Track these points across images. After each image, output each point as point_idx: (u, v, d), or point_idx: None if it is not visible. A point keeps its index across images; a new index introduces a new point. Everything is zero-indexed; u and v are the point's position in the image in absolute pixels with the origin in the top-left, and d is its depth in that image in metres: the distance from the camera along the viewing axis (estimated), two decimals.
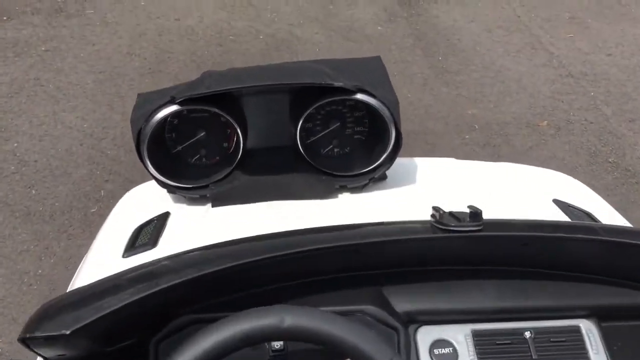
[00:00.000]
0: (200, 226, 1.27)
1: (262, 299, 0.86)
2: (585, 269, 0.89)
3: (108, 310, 0.71)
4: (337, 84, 1.23)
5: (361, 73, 1.36)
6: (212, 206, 1.33)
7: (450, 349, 0.85)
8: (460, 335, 0.86)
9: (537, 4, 4.83)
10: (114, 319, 0.75)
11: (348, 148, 1.44)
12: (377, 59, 1.46)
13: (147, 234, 1.28)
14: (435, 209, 0.85)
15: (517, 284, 0.88)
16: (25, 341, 0.72)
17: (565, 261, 0.89)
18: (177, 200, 1.38)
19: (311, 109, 1.29)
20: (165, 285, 0.74)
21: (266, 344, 0.83)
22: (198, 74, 1.35)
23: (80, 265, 1.33)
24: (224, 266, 0.77)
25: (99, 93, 3.59)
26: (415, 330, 0.86)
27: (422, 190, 1.40)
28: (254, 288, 0.85)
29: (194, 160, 1.41)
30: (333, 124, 1.40)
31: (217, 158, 1.41)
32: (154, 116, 1.25)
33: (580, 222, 1.14)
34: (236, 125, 1.30)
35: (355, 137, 1.44)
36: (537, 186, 1.49)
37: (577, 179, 1.72)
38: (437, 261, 0.88)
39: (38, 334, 0.71)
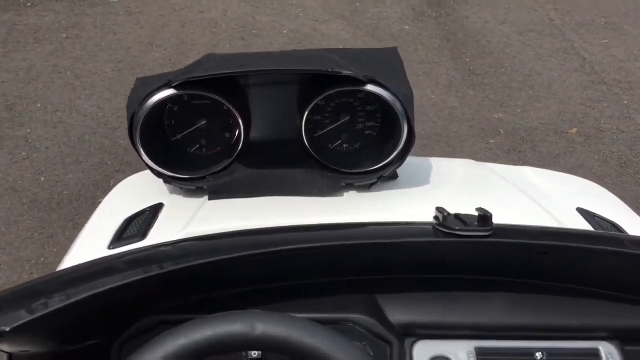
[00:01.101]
0: (192, 219, 1.18)
1: (237, 302, 0.77)
2: (607, 285, 0.78)
3: (61, 305, 0.63)
4: (345, 72, 1.13)
5: (375, 63, 1.26)
6: (209, 199, 1.24)
7: None
8: (462, 353, 0.75)
9: (572, 8, 4.68)
10: (69, 314, 0.66)
11: (358, 144, 1.34)
12: (393, 50, 1.36)
13: (137, 225, 1.20)
14: (439, 209, 0.75)
15: (528, 298, 0.77)
16: None
17: (585, 275, 0.78)
18: (172, 191, 1.30)
19: (318, 99, 1.19)
20: (118, 284, 0.65)
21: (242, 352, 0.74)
22: None
23: (64, 256, 1.25)
24: (196, 262, 0.68)
25: (117, 82, 3.54)
26: (412, 345, 0.76)
27: (434, 192, 1.29)
28: (229, 289, 0.76)
29: (193, 149, 1.33)
30: (342, 117, 1.30)
31: (218, 148, 1.32)
32: (147, 100, 1.16)
33: (605, 232, 1.03)
34: (237, 114, 1.21)
35: (366, 132, 1.34)
36: (560, 192, 1.37)
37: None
38: (439, 268, 0.78)
39: None
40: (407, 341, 0.75)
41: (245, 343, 0.58)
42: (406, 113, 1.19)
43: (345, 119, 1.30)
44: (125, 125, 3.28)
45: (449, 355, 0.75)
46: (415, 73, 3.58)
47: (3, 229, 2.44)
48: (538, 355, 0.75)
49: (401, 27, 4.35)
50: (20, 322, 0.61)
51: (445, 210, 0.74)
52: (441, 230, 0.71)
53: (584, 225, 1.22)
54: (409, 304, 0.77)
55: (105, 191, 2.69)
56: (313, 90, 1.21)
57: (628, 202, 1.54)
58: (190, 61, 3.76)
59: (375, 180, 1.25)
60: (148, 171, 1.42)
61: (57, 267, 2.20)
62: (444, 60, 3.90)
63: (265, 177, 1.27)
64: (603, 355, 0.75)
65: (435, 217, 0.74)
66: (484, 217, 0.70)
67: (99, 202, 2.59)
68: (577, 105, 3.46)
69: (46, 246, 2.37)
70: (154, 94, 1.16)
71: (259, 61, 1.17)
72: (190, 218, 1.19)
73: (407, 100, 1.20)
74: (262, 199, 1.23)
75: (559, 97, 3.53)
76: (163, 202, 1.26)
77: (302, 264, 0.73)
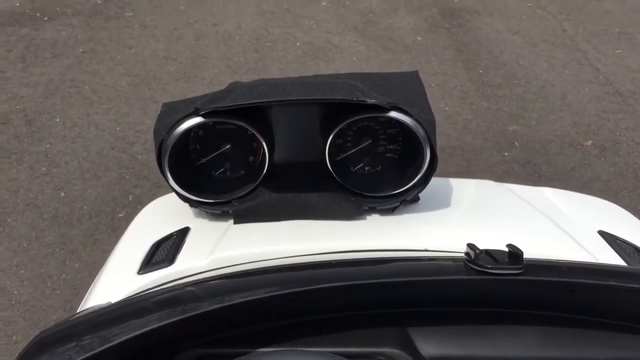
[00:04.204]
0: (219, 244, 1.20)
1: (274, 335, 0.79)
2: (636, 319, 0.79)
3: (110, 345, 0.65)
4: (370, 100, 1.15)
5: (397, 89, 1.28)
6: (234, 223, 1.26)
7: None
8: None
9: (585, 18, 4.68)
10: (117, 353, 0.68)
11: (380, 167, 1.36)
12: (415, 74, 1.38)
13: (165, 250, 1.22)
14: (470, 246, 0.76)
15: (558, 331, 0.79)
16: None
17: (614, 310, 0.79)
18: (198, 215, 1.32)
19: (342, 125, 1.21)
20: (180, 317, 0.67)
21: None
22: (233, 80, 1.29)
23: (94, 281, 1.27)
24: (242, 300, 0.70)
25: (133, 97, 3.58)
26: None
27: (456, 215, 1.30)
28: (267, 323, 0.78)
29: (217, 173, 1.35)
30: (364, 141, 1.32)
31: (242, 172, 1.34)
32: (176, 128, 1.19)
33: (634, 267, 1.04)
34: (262, 140, 1.23)
35: (388, 155, 1.35)
36: (581, 215, 1.38)
37: (622, 204, 1.60)
38: (470, 303, 0.79)
39: None
40: None
41: None
42: (429, 138, 1.21)
43: (367, 142, 1.31)
44: (142, 140, 3.31)
45: None
46: (429, 85, 3.59)
47: (25, 245, 2.47)
48: None
49: (414, 39, 4.37)
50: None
51: (477, 248, 0.75)
52: (473, 268, 0.73)
53: (607, 249, 1.23)
54: (440, 337, 0.78)
55: (125, 206, 2.73)
56: (337, 116, 1.23)
57: None
58: (205, 75, 3.79)
59: (398, 204, 1.27)
60: (173, 195, 1.45)
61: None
62: (457, 72, 3.92)
63: (289, 201, 1.29)
64: None
65: (467, 254, 0.76)
66: (515, 254, 0.72)
67: (119, 218, 2.63)
68: (591, 116, 3.46)
69: (67, 262, 2.41)
70: (183, 122, 1.18)
71: (284, 90, 1.19)
72: (216, 243, 1.21)
73: (429, 125, 1.21)
74: (287, 222, 1.25)
75: (574, 108, 3.54)
76: (189, 226, 1.28)
77: (335, 299, 0.74)
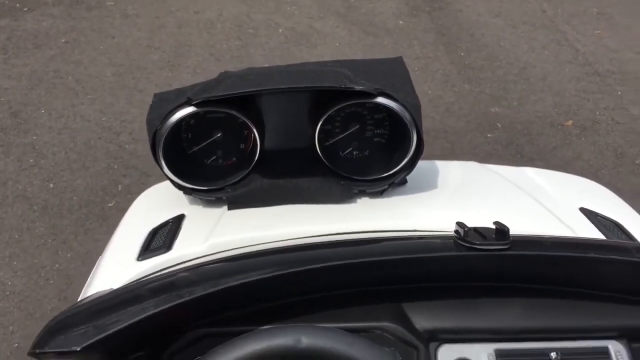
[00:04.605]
0: (214, 230, 1.24)
1: (275, 313, 0.83)
2: (615, 289, 0.84)
3: (122, 326, 0.69)
4: (358, 87, 1.19)
5: (382, 75, 1.32)
6: (228, 209, 1.30)
7: None
8: (483, 355, 0.82)
9: None
10: (128, 333, 0.72)
11: (367, 151, 1.40)
12: (399, 60, 1.42)
13: (162, 236, 1.25)
14: (459, 224, 0.81)
15: (542, 303, 0.84)
16: (36, 356, 0.70)
17: (595, 280, 0.84)
18: (192, 202, 1.35)
19: (331, 111, 1.25)
20: (185, 299, 0.71)
21: None
22: (217, 68, 1.33)
23: (94, 268, 1.31)
24: (244, 281, 0.74)
25: (118, 86, 3.58)
26: (436, 349, 0.82)
27: (443, 196, 1.35)
28: (268, 302, 0.82)
29: (209, 161, 1.38)
30: (352, 127, 1.36)
31: (234, 159, 1.38)
32: (169, 117, 1.22)
33: (613, 240, 1.09)
34: (253, 127, 1.26)
35: (375, 139, 1.39)
36: (562, 193, 1.43)
37: (603, 182, 1.66)
38: (459, 278, 0.84)
39: (48, 349, 0.68)
40: (432, 346, 0.82)
41: (293, 355, 0.64)
42: (415, 122, 1.25)
43: (355, 127, 1.36)
44: (129, 130, 3.31)
45: (471, 358, 0.82)
46: (412, 69, 3.62)
47: (16, 237, 2.49)
48: (553, 355, 0.81)
49: (396, 23, 4.40)
50: (90, 341, 0.67)
51: (465, 225, 0.80)
52: (462, 245, 0.77)
53: (588, 226, 1.28)
54: (433, 311, 0.83)
55: (114, 196, 2.75)
56: (325, 103, 1.26)
57: (625, 193, 1.60)
58: (189, 63, 3.78)
59: (386, 186, 1.31)
60: (166, 183, 1.48)
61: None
62: (439, 55, 3.96)
63: (281, 186, 1.32)
64: (612, 353, 0.82)
65: (456, 232, 0.80)
66: (502, 231, 0.76)
67: (109, 207, 2.65)
68: (572, 97, 3.53)
69: (60, 252, 2.43)
70: (176, 112, 1.21)
71: (274, 78, 1.22)
72: (211, 229, 1.24)
73: (415, 109, 1.26)
74: (279, 207, 1.29)
75: (554, 89, 3.60)
76: (184, 213, 1.32)
77: (332, 278, 0.78)
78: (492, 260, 0.76)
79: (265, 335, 0.65)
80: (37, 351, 0.69)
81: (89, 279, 1.29)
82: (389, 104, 1.23)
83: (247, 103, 1.29)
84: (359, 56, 3.79)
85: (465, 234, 0.77)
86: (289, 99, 1.33)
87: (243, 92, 1.18)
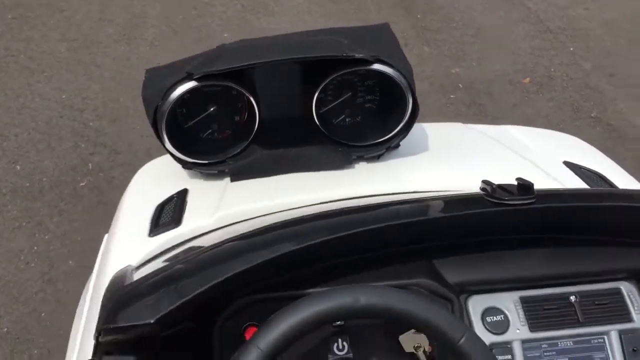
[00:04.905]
0: (221, 202, 1.26)
1: (317, 277, 0.87)
2: (625, 234, 0.92)
3: (191, 296, 0.71)
4: (358, 55, 1.22)
5: (373, 42, 1.35)
6: (231, 181, 1.32)
7: (502, 316, 0.88)
8: (509, 303, 0.89)
9: None
10: (192, 304, 0.74)
11: (359, 117, 1.43)
12: (386, 27, 1.45)
13: (169, 212, 1.27)
14: (486, 182, 0.86)
15: (561, 251, 0.91)
16: (108, 332, 0.71)
17: (607, 227, 0.91)
18: (192, 176, 1.37)
19: (329, 79, 1.27)
20: (245, 267, 0.74)
21: None
22: (175, 40, 1.32)
23: (103, 246, 1.31)
24: (298, 246, 0.76)
25: (74, 62, 3.48)
26: (466, 300, 0.88)
27: (436, 156, 1.40)
28: (309, 266, 0.85)
29: (205, 135, 1.39)
30: (345, 94, 1.39)
31: (228, 132, 1.39)
32: (171, 93, 1.22)
33: (621, 189, 1.17)
34: (252, 99, 1.28)
35: (366, 105, 1.43)
36: (545, 148, 1.51)
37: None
38: (488, 232, 0.90)
39: (122, 323, 0.70)
40: (462, 297, 0.88)
41: (352, 313, 0.69)
42: (410, 87, 1.29)
43: (348, 95, 1.39)
44: (92, 107, 3.23)
45: (499, 306, 0.88)
46: None
47: None
48: (572, 298, 0.89)
49: None
50: (162, 313, 0.69)
51: (491, 183, 0.85)
52: (492, 201, 0.82)
53: (572, 177, 1.36)
54: (461, 265, 0.89)
55: (85, 175, 2.72)
56: (323, 71, 1.28)
57: None
58: (146, 36, 3.68)
59: (383, 151, 1.35)
60: (162, 159, 1.49)
61: (62, 252, 2.22)
62: (399, 19, 3.99)
63: (281, 156, 1.35)
64: (624, 292, 0.90)
65: (484, 189, 0.86)
66: (527, 186, 0.82)
67: (81, 187, 2.61)
68: (527, 55, 3.63)
69: (37, 235, 2.39)
70: (177, 87, 1.22)
71: (273, 50, 1.23)
72: (218, 201, 1.26)
73: (409, 74, 1.30)
74: (281, 177, 1.32)
75: (510, 48, 3.69)
76: (187, 187, 1.33)
77: (374, 240, 0.82)
78: (520, 214, 0.82)
79: (326, 296, 0.69)
80: (111, 326, 0.70)
81: (99, 257, 1.30)
82: (385, 70, 1.27)
83: (245, 75, 1.30)
84: (320, 24, 3.79)
85: (493, 191, 0.83)
86: (286, 69, 1.34)
87: (245, 65, 1.19)
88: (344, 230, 0.78)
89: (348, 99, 1.39)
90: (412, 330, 0.83)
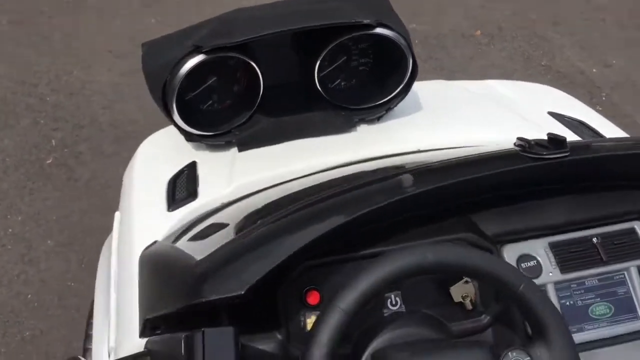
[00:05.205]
0: (233, 172, 1.28)
1: (367, 239, 0.92)
2: (631, 178, 1.01)
3: (276, 263, 0.74)
4: (365, 20, 1.25)
5: (371, 6, 1.38)
6: (239, 151, 1.33)
7: (534, 261, 0.96)
8: (540, 249, 0.96)
9: None
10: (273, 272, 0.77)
11: (354, 80, 1.46)
12: None
13: (183, 185, 1.28)
14: (521, 139, 0.92)
15: (584, 197, 0.99)
16: (197, 306, 0.74)
17: (626, 173, 1.00)
18: (198, 148, 1.37)
19: (332, 45, 1.29)
20: (322, 233, 0.77)
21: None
22: (124, 4, 1.30)
23: (117, 225, 1.31)
24: (365, 210, 0.80)
25: (19, 35, 3.34)
26: (500, 249, 0.95)
27: (431, 115, 1.45)
28: (362, 228, 0.89)
29: (205, 106, 1.39)
30: (340, 58, 1.42)
31: (229, 102, 1.40)
32: (180, 67, 1.22)
33: (632, 137, 1.26)
34: (257, 69, 1.29)
35: (360, 68, 1.46)
36: (529, 100, 1.59)
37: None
38: (519, 186, 0.97)
39: (214, 296, 0.72)
40: (497, 247, 0.95)
41: (423, 269, 0.74)
42: (410, 48, 1.33)
43: (343, 59, 1.42)
44: (45, 80, 3.11)
45: (531, 253, 0.96)
46: None
47: None
48: (594, 240, 0.98)
49: None
50: (250, 284, 0.72)
51: (526, 139, 0.91)
52: (530, 157, 0.89)
53: (559, 126, 1.44)
54: (496, 217, 0.96)
55: (50, 152, 2.65)
56: (326, 37, 1.30)
57: None
58: (92, 2, 3.49)
59: (384, 112, 1.39)
60: (163, 132, 1.48)
61: (38, 232, 2.17)
62: None
63: (286, 123, 1.37)
64: (638, 230, 1.00)
65: (520, 145, 0.92)
66: (560, 140, 0.88)
67: (48, 165, 2.54)
68: (477, 8, 3.70)
69: (9, 216, 2.33)
70: (187, 61, 1.21)
71: (283, 19, 1.24)
72: (230, 171, 1.28)
73: (408, 36, 1.34)
74: (288, 144, 1.35)
75: (460, 2, 3.75)
76: (195, 160, 1.34)
77: (419, 200, 0.87)
78: (557, 166, 0.89)
79: (397, 256, 0.73)
80: (204, 300, 0.73)
81: (115, 235, 1.30)
82: (388, 33, 1.30)
83: (249, 45, 1.31)
84: None
85: (531, 147, 0.89)
86: (290, 37, 1.36)
87: (256, 37, 1.20)
88: (402, 192, 0.82)
89: (343, 63, 1.42)
90: (463, 281, 0.89)
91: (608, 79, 3.25)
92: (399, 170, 1.02)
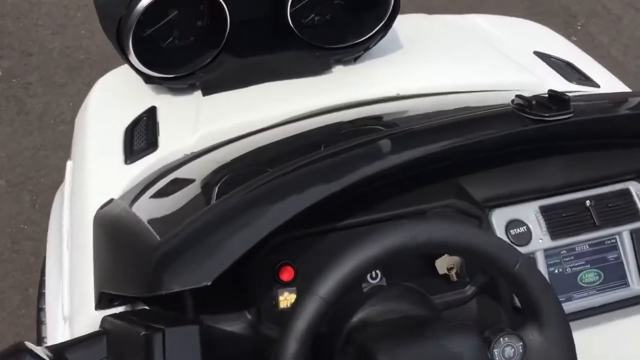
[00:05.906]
0: (197, 119, 1.17)
1: (343, 209, 0.83)
2: (636, 136, 0.94)
3: (247, 248, 0.65)
4: None
5: None
6: (203, 95, 1.22)
7: (524, 227, 0.89)
8: (530, 213, 0.90)
9: None
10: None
11: (329, 15, 1.34)
12: None
13: (141, 134, 1.17)
14: (519, 97, 0.83)
15: (576, 157, 0.92)
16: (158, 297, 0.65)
17: (624, 130, 0.93)
18: (158, 91, 1.25)
19: None
20: (301, 209, 0.68)
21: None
22: None
23: (67, 175, 1.20)
24: (357, 179, 0.72)
25: None
26: (489, 214, 0.88)
27: (409, 53, 1.35)
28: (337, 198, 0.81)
29: (166, 44, 1.26)
30: None
31: (192, 39, 1.27)
32: (138, 2, 1.08)
33: (627, 92, 1.18)
34: (222, 2, 1.16)
35: (336, 2, 1.34)
36: (514, 38, 1.49)
37: (499, 14, 1.73)
38: (511, 146, 0.89)
39: (176, 288, 0.63)
40: (485, 212, 0.88)
41: (410, 250, 0.66)
42: None
43: None
44: None
45: (520, 217, 0.89)
46: None
47: None
48: (587, 202, 0.91)
49: None
50: (218, 274, 0.63)
51: (524, 97, 0.82)
52: (530, 118, 0.80)
53: (545, 68, 1.36)
54: (485, 181, 0.88)
55: None
56: None
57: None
58: None
59: (362, 52, 1.29)
60: (117, 72, 1.35)
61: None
62: None
63: (255, 64, 1.26)
64: (633, 192, 0.94)
65: (519, 104, 0.83)
66: (563, 99, 0.79)
67: None
68: None
69: None
70: None
71: None
72: (194, 118, 1.17)
73: None
74: (258, 87, 1.24)
75: None
76: (154, 105, 1.22)
77: (407, 164, 0.78)
78: (558, 128, 0.81)
79: (383, 234, 0.65)
80: (164, 292, 0.63)
81: (67, 187, 1.19)
82: None
83: None
84: None
85: (531, 107, 0.80)
86: None
87: None
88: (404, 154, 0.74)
89: None
90: None
91: (583, 6, 3.15)
92: (382, 122, 0.92)
